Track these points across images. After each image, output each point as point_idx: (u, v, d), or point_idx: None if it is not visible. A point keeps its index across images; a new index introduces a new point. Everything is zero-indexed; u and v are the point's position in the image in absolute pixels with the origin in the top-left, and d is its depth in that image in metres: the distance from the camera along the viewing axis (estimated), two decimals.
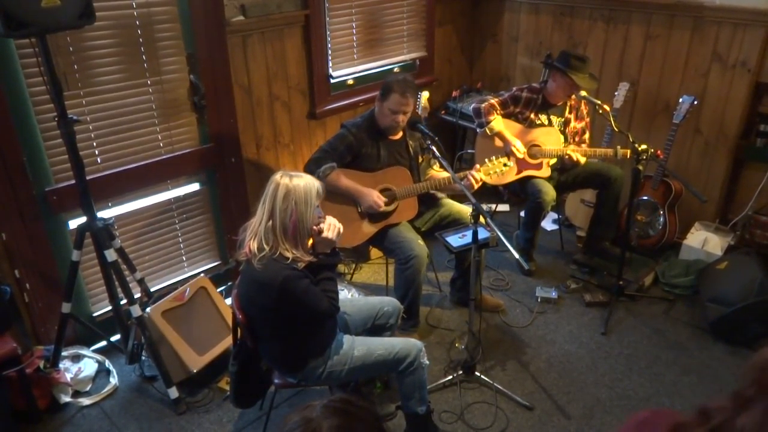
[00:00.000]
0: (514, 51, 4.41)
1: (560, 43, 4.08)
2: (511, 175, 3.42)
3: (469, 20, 4.52)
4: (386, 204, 2.90)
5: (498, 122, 3.33)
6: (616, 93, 3.60)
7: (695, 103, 3.36)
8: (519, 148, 3.33)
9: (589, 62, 3.29)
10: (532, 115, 3.43)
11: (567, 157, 3.32)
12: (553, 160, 3.46)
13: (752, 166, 3.52)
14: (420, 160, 3.09)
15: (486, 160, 2.90)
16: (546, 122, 3.44)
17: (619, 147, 3.27)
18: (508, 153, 3.36)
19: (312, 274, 2.08)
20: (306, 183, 2.03)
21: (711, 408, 0.80)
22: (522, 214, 3.75)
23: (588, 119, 3.56)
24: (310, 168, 2.86)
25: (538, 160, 3.43)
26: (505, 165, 2.86)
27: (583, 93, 3.29)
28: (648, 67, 3.73)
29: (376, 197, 2.86)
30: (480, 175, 2.84)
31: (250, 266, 2.02)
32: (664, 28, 3.59)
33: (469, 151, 4.36)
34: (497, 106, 3.36)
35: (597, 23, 3.89)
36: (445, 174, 2.99)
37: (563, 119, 3.48)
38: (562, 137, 3.43)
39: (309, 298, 2.02)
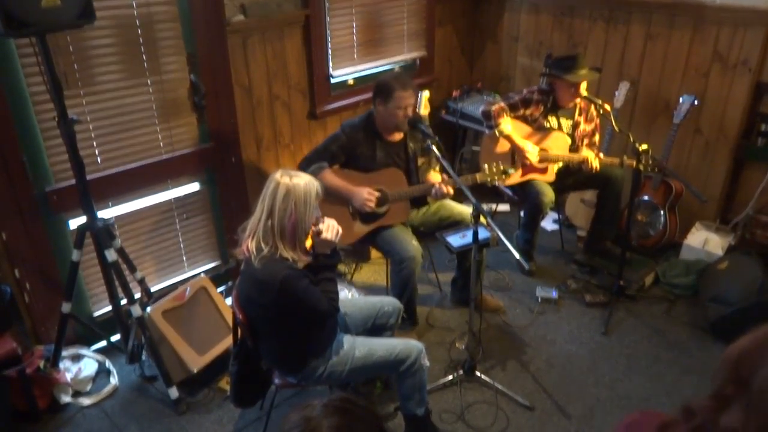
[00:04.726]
0: (515, 51, 4.41)
1: (560, 43, 4.08)
2: (516, 177, 3.43)
3: (469, 20, 4.52)
4: (378, 206, 2.90)
5: (508, 125, 3.32)
6: (616, 93, 3.60)
7: (696, 102, 3.36)
8: (532, 153, 3.32)
9: (580, 57, 3.29)
10: (542, 118, 3.43)
11: (583, 164, 3.29)
12: (559, 165, 3.45)
13: (753, 166, 3.52)
14: (420, 162, 3.09)
15: (485, 165, 2.91)
16: (555, 125, 3.44)
17: (625, 157, 3.26)
18: (516, 158, 3.36)
19: (312, 274, 2.08)
20: (306, 183, 2.03)
21: (694, 407, 0.80)
22: (522, 214, 3.75)
23: (598, 121, 3.54)
24: (302, 167, 2.88)
25: (544, 165, 3.42)
26: (504, 173, 2.88)
27: (584, 93, 3.29)
28: (648, 67, 3.73)
29: (366, 194, 2.85)
30: (449, 187, 2.90)
31: (250, 265, 2.02)
32: (664, 27, 3.59)
33: (474, 148, 4.37)
34: (507, 109, 3.34)
35: (597, 23, 3.89)
36: (436, 178, 3.03)
37: (573, 122, 3.47)
38: (569, 141, 3.43)
39: (308, 298, 2.02)
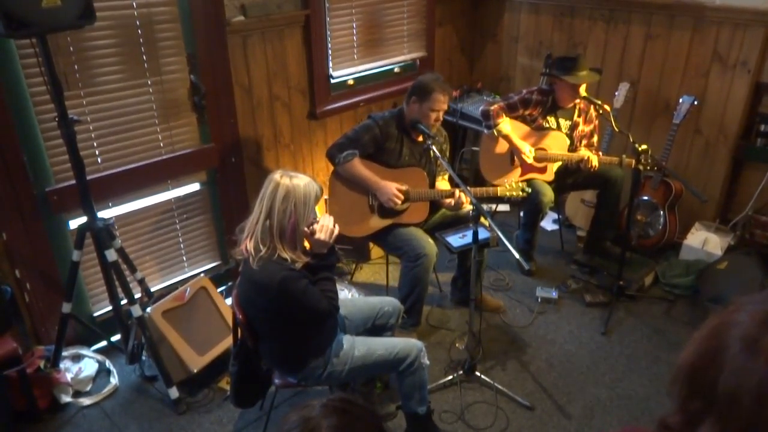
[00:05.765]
0: (514, 51, 4.41)
1: (560, 43, 4.08)
2: (515, 177, 3.43)
3: (469, 20, 4.52)
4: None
5: (506, 125, 3.33)
6: (616, 93, 3.60)
7: (695, 103, 3.36)
8: (528, 154, 3.33)
9: (581, 59, 3.28)
10: (541, 117, 3.43)
11: (582, 163, 3.30)
12: (558, 164, 3.46)
13: (752, 166, 3.52)
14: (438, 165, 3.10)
15: (506, 181, 2.94)
16: (554, 125, 3.44)
17: (624, 156, 3.27)
18: (515, 158, 3.36)
19: (311, 274, 2.08)
20: (306, 185, 2.02)
21: (670, 423, 0.80)
22: (522, 214, 3.75)
23: (597, 122, 3.54)
24: (332, 153, 2.89)
25: (543, 164, 3.43)
26: (523, 191, 2.90)
27: (584, 94, 3.29)
28: (648, 67, 3.73)
29: (395, 190, 2.86)
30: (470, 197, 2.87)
31: (248, 266, 2.02)
32: (664, 28, 3.59)
33: (473, 148, 4.36)
34: (506, 109, 3.35)
35: (597, 23, 3.89)
36: (444, 186, 3.04)
37: (572, 122, 3.47)
38: (567, 141, 3.43)
39: (308, 298, 2.02)
